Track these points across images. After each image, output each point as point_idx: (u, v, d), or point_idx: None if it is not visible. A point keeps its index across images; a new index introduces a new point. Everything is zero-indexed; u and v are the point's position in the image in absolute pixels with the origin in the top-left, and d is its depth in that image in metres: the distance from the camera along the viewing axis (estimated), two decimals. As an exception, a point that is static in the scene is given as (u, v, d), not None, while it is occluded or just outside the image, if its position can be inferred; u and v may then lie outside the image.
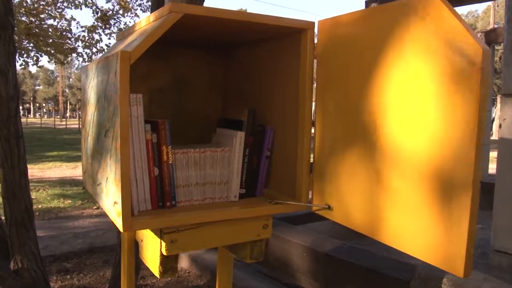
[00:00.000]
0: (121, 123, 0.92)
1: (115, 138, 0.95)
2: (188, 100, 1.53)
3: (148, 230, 1.13)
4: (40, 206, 4.78)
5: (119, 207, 0.95)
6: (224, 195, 1.23)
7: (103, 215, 4.52)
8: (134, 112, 1.04)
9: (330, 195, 1.10)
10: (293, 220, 2.90)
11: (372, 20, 0.93)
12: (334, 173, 1.08)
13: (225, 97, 1.58)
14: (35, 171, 7.23)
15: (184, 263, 2.97)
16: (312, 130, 1.18)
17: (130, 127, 1.01)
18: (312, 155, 1.18)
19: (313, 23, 1.12)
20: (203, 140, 1.50)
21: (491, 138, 7.82)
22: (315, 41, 1.15)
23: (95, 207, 4.87)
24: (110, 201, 1.02)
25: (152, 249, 1.11)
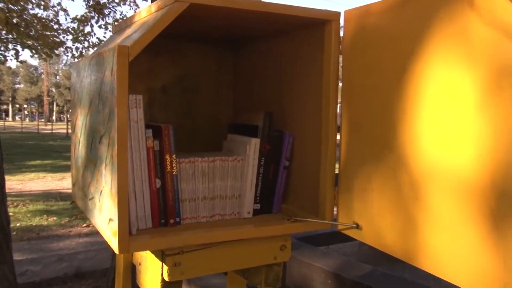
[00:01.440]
0: (118, 128, 0.93)
1: (111, 145, 0.96)
2: (194, 102, 1.55)
3: (148, 252, 1.13)
4: (18, 225, 4.65)
5: (115, 225, 0.95)
6: (236, 211, 1.25)
7: (94, 233, 4.49)
8: (133, 115, 1.05)
9: (358, 212, 1.11)
10: (315, 241, 2.89)
11: (408, 9, 0.92)
12: (363, 186, 1.08)
13: (237, 98, 1.59)
14: (13, 183, 7.12)
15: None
16: (337, 136, 1.19)
17: (128, 132, 1.02)
18: (337, 165, 1.19)
19: (339, 13, 1.13)
20: (212, 147, 1.51)
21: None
22: (341, 34, 1.16)
23: (84, 225, 4.79)
24: (105, 218, 1.03)
25: (152, 273, 1.11)
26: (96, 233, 4.37)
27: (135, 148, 1.07)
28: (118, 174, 0.94)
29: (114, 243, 0.96)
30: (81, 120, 1.31)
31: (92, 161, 1.17)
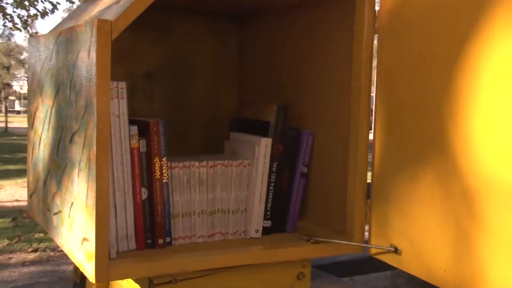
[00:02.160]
0: (98, 124, 0.93)
1: (89, 145, 0.96)
2: (187, 91, 1.55)
3: (130, 281, 1.14)
4: None
5: (91, 246, 0.95)
6: (241, 230, 1.26)
7: (44, 260, 4.15)
8: (114, 108, 1.05)
9: (397, 231, 1.11)
10: (336, 269, 2.87)
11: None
12: (403, 199, 1.08)
13: (242, 87, 1.59)
14: None
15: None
16: (370, 137, 1.19)
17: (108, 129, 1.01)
18: (369, 173, 1.19)
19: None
20: (211, 149, 1.52)
21: None
22: (376, 8, 1.14)
23: (30, 249, 4.42)
24: (76, 237, 1.03)
25: (135, 309, 1.12)
26: (47, 260, 4.08)
27: (116, 149, 1.07)
28: (98, 182, 0.94)
29: (89, 270, 0.96)
30: (43, 113, 1.30)
31: (59, 166, 1.17)
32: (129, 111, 1.08)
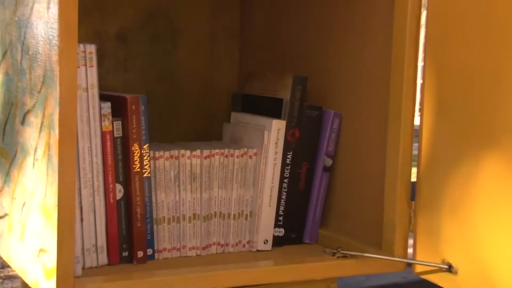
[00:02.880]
0: (62, 100, 0.93)
1: (48, 127, 0.96)
2: (175, 58, 1.54)
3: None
4: None
5: (50, 259, 0.95)
6: (245, 240, 1.26)
7: None
8: (81, 79, 1.04)
9: (451, 243, 1.10)
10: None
11: None
12: (460, 202, 1.08)
13: (245, 53, 1.58)
14: None
15: None
16: (416, 122, 1.19)
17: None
18: (415, 168, 1.17)
19: None
20: (207, 134, 1.52)
21: None
22: None
23: None
24: (30, 249, 1.04)
25: None
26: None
27: (82, 133, 1.06)
28: (61, 176, 0.93)
29: (47, 290, 0.97)
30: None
31: (6, 154, 1.16)
32: (101, 86, 1.08)
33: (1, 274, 3.96)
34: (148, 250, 1.16)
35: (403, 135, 1.17)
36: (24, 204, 1.07)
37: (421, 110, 1.16)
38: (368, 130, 1.26)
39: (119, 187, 1.12)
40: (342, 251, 1.18)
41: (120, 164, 1.12)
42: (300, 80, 1.26)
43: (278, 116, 1.27)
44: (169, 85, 1.55)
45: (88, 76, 1.06)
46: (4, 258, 1.17)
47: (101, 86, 1.10)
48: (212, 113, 1.58)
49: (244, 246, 1.26)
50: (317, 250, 1.24)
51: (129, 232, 1.14)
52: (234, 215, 1.24)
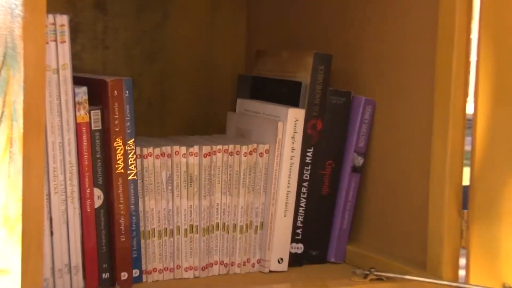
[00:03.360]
0: (27, 84, 0.91)
1: (10, 118, 0.96)
2: (167, 32, 1.54)
3: None
4: None
5: (13, 283, 0.94)
6: (255, 258, 1.26)
7: None
8: (51, 58, 1.04)
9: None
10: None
11: None
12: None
13: (254, 27, 1.59)
14: None
15: None
16: (469, 111, 1.16)
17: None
18: (468, 170, 1.17)
19: None
20: (207, 126, 1.53)
21: None
22: None
23: None
24: None
25: None
26: None
27: (52, 126, 1.05)
28: (26, 178, 0.92)
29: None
30: None
31: None
32: (73, 64, 1.06)
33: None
34: (134, 271, 1.15)
35: (452, 127, 1.15)
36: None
37: (475, 95, 1.16)
38: (408, 121, 1.25)
39: (98, 192, 1.11)
40: (376, 273, 1.16)
41: (99, 163, 1.11)
42: (323, 58, 1.25)
43: (295, 103, 1.26)
44: (159, 65, 1.55)
45: (59, 55, 1.04)
46: None
47: (75, 67, 1.09)
48: (214, 101, 1.59)
49: (253, 266, 1.25)
50: (345, 271, 1.24)
51: (110, 249, 1.13)
52: (241, 227, 1.23)
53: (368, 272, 1.16)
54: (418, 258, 1.21)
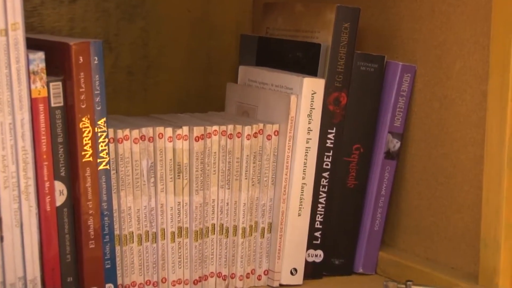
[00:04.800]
0: None
1: None
2: None
3: None
4: None
5: None
6: (261, 268, 1.26)
7: None
8: None
9: None
10: None
11: None
12: None
13: None
14: None
15: None
16: None
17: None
18: None
19: None
20: (200, 101, 1.55)
21: None
22: None
23: None
24: None
25: None
26: None
27: (1, 102, 1.06)
28: None
29: None
30: None
31: None
32: (27, 23, 1.06)
33: None
34: (108, 285, 1.15)
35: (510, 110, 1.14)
36: None
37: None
38: (457, 93, 1.25)
39: (60, 186, 1.11)
40: (414, 286, 1.17)
41: (61, 150, 1.11)
42: (349, 13, 1.25)
43: (313, 71, 1.26)
44: (141, 23, 1.55)
45: (8, 10, 1.04)
46: None
47: (33, 26, 1.14)
48: (210, 68, 1.60)
49: (259, 278, 1.25)
50: (376, 285, 1.25)
51: (76, 258, 1.13)
52: (244, 230, 1.24)
53: (404, 286, 1.16)
54: (469, 267, 1.22)
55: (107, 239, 1.14)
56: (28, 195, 1.08)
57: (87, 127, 1.10)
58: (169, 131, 1.17)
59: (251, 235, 1.24)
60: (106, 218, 1.13)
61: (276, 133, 1.23)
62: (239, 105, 1.34)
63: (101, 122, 1.11)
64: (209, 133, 1.19)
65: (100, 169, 1.12)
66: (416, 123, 1.31)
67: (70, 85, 1.09)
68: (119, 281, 1.16)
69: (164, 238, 1.19)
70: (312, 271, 1.26)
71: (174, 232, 1.19)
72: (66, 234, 1.11)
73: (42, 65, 1.07)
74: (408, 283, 1.16)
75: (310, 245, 1.26)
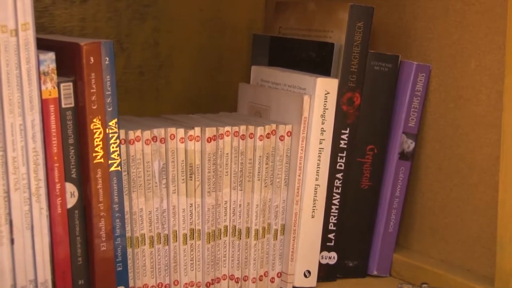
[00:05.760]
0: None
1: None
2: None
3: None
4: None
5: None
6: (274, 270, 1.26)
7: None
8: (7, 14, 1.02)
9: None
10: None
11: None
12: None
13: None
14: None
15: None
16: None
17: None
18: None
19: None
20: (212, 102, 1.54)
21: None
22: None
23: None
24: None
25: None
26: None
27: (11, 103, 1.04)
28: None
29: None
30: None
31: None
32: (38, 23, 1.07)
33: None
34: None
35: None
36: None
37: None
38: (473, 93, 1.24)
39: (71, 188, 1.10)
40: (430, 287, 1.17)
41: (72, 152, 1.10)
42: (363, 12, 1.25)
43: (326, 71, 1.26)
44: (152, 23, 1.55)
45: (19, 10, 1.03)
46: None
47: (44, 26, 1.13)
48: (222, 69, 1.60)
49: (272, 280, 1.25)
50: (390, 287, 1.25)
51: (88, 260, 1.12)
52: (257, 232, 1.24)
53: (419, 287, 1.16)
54: (484, 270, 1.22)
55: (118, 241, 1.13)
56: (39, 197, 1.07)
57: (98, 128, 1.10)
58: (181, 132, 1.17)
59: (264, 237, 1.24)
60: (117, 220, 1.13)
61: (289, 134, 1.23)
62: (252, 105, 1.34)
63: (113, 123, 1.11)
64: (221, 134, 1.19)
65: (111, 171, 1.11)
66: (430, 124, 1.31)
67: (81, 86, 1.09)
68: (131, 284, 1.16)
69: (176, 240, 1.19)
70: (325, 273, 1.26)
71: (186, 234, 1.19)
72: (77, 236, 1.10)
73: (53, 65, 1.06)
74: (424, 285, 1.17)
75: (324, 247, 1.26)
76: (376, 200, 1.30)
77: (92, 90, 1.08)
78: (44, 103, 1.06)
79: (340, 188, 1.25)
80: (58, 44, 1.10)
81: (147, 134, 1.15)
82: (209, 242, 1.20)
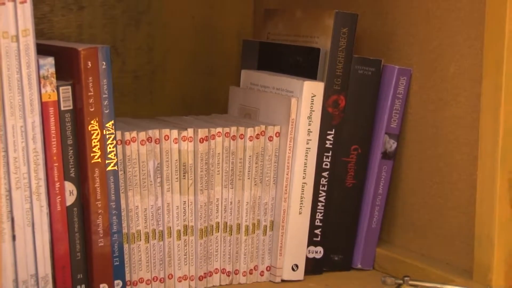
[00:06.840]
0: None
1: None
2: None
3: None
4: None
5: None
6: (264, 264, 1.27)
7: None
8: (8, 21, 1.03)
9: None
10: None
11: None
12: None
13: None
14: None
15: None
16: None
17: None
18: None
19: None
20: (204, 104, 1.54)
21: None
22: None
23: None
24: None
25: None
26: None
27: (12, 106, 1.05)
28: None
29: None
30: None
31: None
32: (37, 29, 1.06)
33: None
34: (116, 282, 1.15)
35: (505, 101, 1.13)
36: None
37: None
38: (452, 95, 1.24)
39: (69, 186, 1.11)
40: (411, 282, 1.16)
41: (70, 152, 1.11)
42: (347, 19, 1.25)
43: (313, 75, 1.26)
44: (147, 29, 1.55)
45: (19, 17, 1.04)
46: None
47: (43, 32, 1.13)
48: (213, 72, 1.59)
49: (262, 274, 1.25)
50: (374, 280, 1.25)
51: (86, 255, 1.13)
52: (247, 228, 1.24)
53: (401, 281, 1.15)
54: (463, 263, 1.22)
55: (115, 237, 1.13)
56: (39, 195, 1.08)
57: (96, 129, 1.10)
58: (174, 133, 1.17)
59: (254, 232, 1.24)
60: (114, 217, 1.13)
61: (277, 135, 1.23)
62: (242, 107, 1.34)
63: (109, 125, 1.11)
64: (213, 135, 1.19)
65: (108, 170, 1.12)
66: (412, 125, 1.31)
67: (79, 89, 1.09)
68: (127, 278, 1.16)
69: (170, 236, 1.19)
70: (312, 267, 1.27)
71: (180, 230, 1.19)
72: (76, 233, 1.11)
73: (52, 70, 1.07)
74: (406, 278, 1.15)
75: (311, 242, 1.26)
76: (360, 198, 1.30)
77: (89, 93, 1.09)
78: (44, 106, 1.07)
79: (326, 186, 1.26)
80: (57, 49, 1.11)
81: (142, 135, 1.15)
82: (202, 237, 1.20)
